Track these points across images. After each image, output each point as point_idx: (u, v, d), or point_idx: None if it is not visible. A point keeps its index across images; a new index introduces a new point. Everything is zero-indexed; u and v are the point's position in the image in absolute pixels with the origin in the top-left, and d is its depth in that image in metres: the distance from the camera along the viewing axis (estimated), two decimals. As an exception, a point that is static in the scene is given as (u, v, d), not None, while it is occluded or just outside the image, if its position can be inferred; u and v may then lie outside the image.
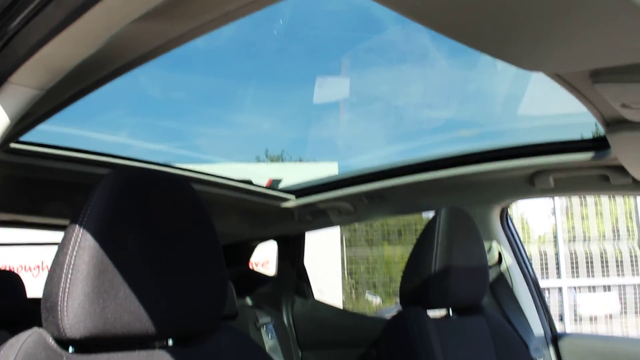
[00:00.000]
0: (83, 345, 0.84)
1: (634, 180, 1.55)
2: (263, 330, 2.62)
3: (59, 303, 0.79)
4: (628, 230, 7.32)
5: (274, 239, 2.85)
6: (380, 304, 8.95)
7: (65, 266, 0.80)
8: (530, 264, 2.15)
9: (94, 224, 0.82)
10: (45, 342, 0.81)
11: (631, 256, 7.17)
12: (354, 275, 9.25)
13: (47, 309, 0.81)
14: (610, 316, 7.33)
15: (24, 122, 0.98)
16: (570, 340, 2.00)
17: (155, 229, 0.90)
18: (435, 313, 1.75)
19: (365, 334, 2.39)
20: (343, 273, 9.04)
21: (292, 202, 2.16)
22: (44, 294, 0.83)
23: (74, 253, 0.81)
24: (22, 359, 0.77)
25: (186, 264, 0.92)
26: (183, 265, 0.92)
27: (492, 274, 2.06)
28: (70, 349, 0.84)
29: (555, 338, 2.02)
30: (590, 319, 7.34)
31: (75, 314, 0.79)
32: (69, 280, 0.80)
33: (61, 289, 0.80)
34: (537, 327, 2.04)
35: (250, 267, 3.09)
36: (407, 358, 1.55)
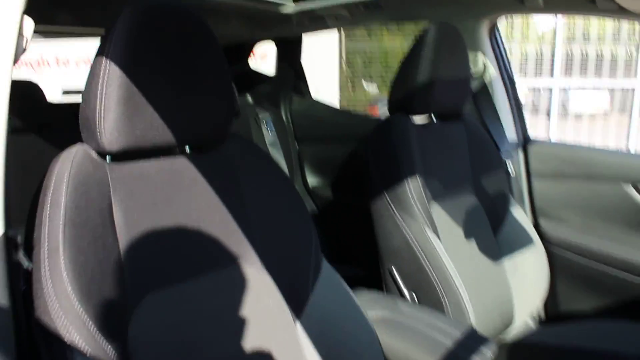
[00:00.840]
0: (118, 156, 1.03)
1: (620, 7, 1.59)
2: (263, 126, 2.82)
3: (97, 125, 0.96)
4: (630, 32, 7.23)
5: (273, 40, 2.92)
6: (378, 93, 9.16)
7: (99, 94, 0.95)
8: (512, 75, 2.26)
9: (119, 57, 0.95)
10: (89, 155, 1.00)
11: (627, 59, 7.19)
12: (352, 67, 9.31)
13: (87, 129, 0.98)
14: (594, 116, 7.60)
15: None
16: (538, 146, 2.19)
17: (170, 54, 1.02)
18: (421, 120, 1.93)
19: (357, 131, 2.55)
20: (341, 64, 9.10)
21: (290, 7, 2.20)
22: (81, 118, 0.99)
23: (105, 83, 0.95)
24: (77, 168, 0.95)
25: (198, 83, 1.06)
26: (196, 83, 1.06)
27: (476, 85, 2.19)
28: (109, 159, 1.03)
29: (525, 144, 2.22)
30: (575, 116, 7.61)
31: (111, 133, 0.97)
32: (103, 106, 0.95)
33: (97, 113, 0.95)
34: (511, 133, 2.24)
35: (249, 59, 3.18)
36: (390, 158, 1.75)
